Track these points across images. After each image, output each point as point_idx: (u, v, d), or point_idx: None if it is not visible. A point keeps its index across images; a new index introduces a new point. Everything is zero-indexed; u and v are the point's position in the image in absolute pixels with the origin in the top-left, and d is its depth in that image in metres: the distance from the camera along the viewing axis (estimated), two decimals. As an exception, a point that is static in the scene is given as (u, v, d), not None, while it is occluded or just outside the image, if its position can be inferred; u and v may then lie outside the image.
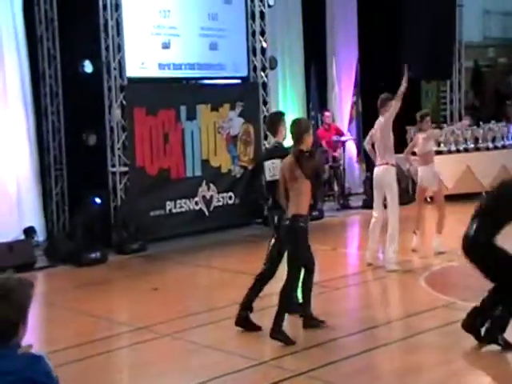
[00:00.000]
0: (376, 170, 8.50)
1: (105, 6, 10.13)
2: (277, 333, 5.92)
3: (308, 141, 6.09)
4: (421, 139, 9.25)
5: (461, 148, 13.04)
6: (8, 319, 2.63)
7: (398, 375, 5.40)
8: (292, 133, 6.19)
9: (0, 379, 2.60)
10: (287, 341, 5.92)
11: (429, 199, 12.45)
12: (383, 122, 8.44)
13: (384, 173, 8.36)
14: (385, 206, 8.58)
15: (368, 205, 10.50)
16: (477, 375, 5.44)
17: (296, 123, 6.24)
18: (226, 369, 5.55)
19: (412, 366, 5.54)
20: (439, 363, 5.61)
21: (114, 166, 10.28)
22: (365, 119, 12.95)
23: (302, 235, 6.02)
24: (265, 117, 12.07)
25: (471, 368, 5.52)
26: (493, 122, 13.72)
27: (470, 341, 6.05)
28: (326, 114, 13.24)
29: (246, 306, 6.33)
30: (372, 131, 8.72)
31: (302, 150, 6.00)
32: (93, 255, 9.26)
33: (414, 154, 9.67)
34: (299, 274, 6.13)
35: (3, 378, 2.59)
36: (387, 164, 8.35)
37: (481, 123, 13.66)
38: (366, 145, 8.89)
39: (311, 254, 6.33)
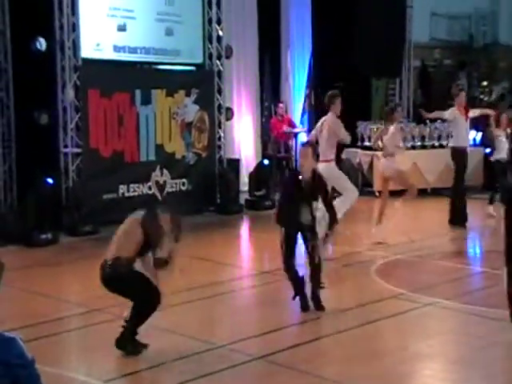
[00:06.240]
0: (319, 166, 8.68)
1: (59, -16, 9.97)
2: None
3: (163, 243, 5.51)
4: (391, 131, 9.40)
5: (408, 145, 13.39)
6: None
7: (352, 360, 5.56)
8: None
9: None
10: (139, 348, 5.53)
11: (377, 193, 12.81)
12: (331, 123, 8.65)
13: (327, 169, 8.56)
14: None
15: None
16: (426, 362, 5.63)
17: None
18: (183, 352, 5.58)
19: (364, 352, 5.70)
20: (389, 350, 5.81)
21: (66, 146, 10.16)
22: (317, 112, 13.15)
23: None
24: (219, 105, 12.14)
25: (420, 355, 5.72)
26: (439, 121, 14.10)
27: (419, 329, 6.31)
28: (280, 105, 13.40)
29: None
30: (317, 128, 8.92)
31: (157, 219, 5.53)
32: (44, 236, 9.13)
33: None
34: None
35: None
36: (329, 161, 8.69)
37: (427, 122, 14.03)
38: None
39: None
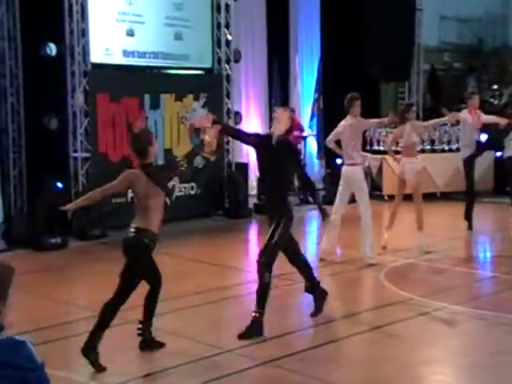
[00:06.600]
0: (345, 169, 8.68)
1: (69, -10, 10.02)
2: (89, 351, 5.39)
3: (152, 153, 5.63)
4: (407, 130, 9.32)
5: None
6: None
7: (362, 364, 5.55)
8: (134, 149, 5.68)
9: None
10: (96, 365, 5.37)
11: (386, 197, 12.79)
12: (356, 125, 8.59)
13: (354, 172, 8.58)
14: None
15: (327, 200, 10.65)
16: (436, 367, 5.61)
17: (136, 138, 5.82)
18: (191, 356, 5.58)
19: (373, 357, 5.70)
20: (398, 355, 5.76)
21: (75, 151, 10.20)
22: (326, 116, 13.14)
23: (145, 252, 5.54)
24: (228, 109, 12.14)
25: (429, 360, 5.69)
26: (449, 124, 14.02)
27: (428, 334, 6.27)
28: (288, 111, 13.35)
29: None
30: (338, 130, 8.82)
31: (149, 164, 5.62)
32: (53, 240, 9.16)
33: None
34: (132, 289, 5.58)
35: None
36: (356, 164, 8.60)
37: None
38: (330, 142, 8.94)
39: (157, 269, 5.67)
